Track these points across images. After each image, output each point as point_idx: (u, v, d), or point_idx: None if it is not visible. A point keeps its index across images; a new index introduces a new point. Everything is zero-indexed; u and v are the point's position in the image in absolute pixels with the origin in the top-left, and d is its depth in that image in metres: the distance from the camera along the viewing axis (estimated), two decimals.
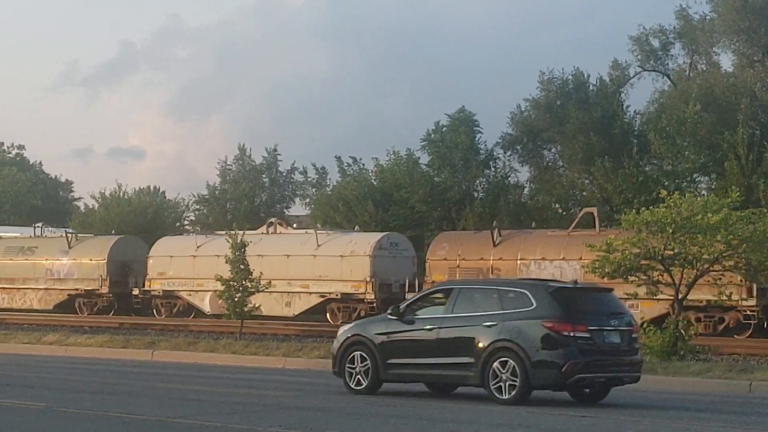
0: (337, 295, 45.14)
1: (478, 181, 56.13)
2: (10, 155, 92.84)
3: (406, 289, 42.97)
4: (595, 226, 40.28)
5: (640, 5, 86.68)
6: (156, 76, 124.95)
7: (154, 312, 50.19)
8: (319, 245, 45.88)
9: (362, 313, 42.37)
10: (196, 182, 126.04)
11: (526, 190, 56.48)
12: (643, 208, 30.02)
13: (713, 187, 48.47)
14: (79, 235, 55.44)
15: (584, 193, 53.06)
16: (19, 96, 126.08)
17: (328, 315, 45.69)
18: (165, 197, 72.74)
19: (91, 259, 52.47)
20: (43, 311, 51.84)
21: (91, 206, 72.78)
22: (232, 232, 41.49)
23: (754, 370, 26.02)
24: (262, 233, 48.67)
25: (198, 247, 49.57)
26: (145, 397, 21.81)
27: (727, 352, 30.99)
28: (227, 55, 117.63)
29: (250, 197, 65.50)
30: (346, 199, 56.23)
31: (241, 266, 36.57)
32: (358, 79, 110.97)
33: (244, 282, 36.46)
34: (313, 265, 45.77)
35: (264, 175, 66.99)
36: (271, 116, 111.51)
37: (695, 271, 29.42)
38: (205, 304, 48.31)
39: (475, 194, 55.67)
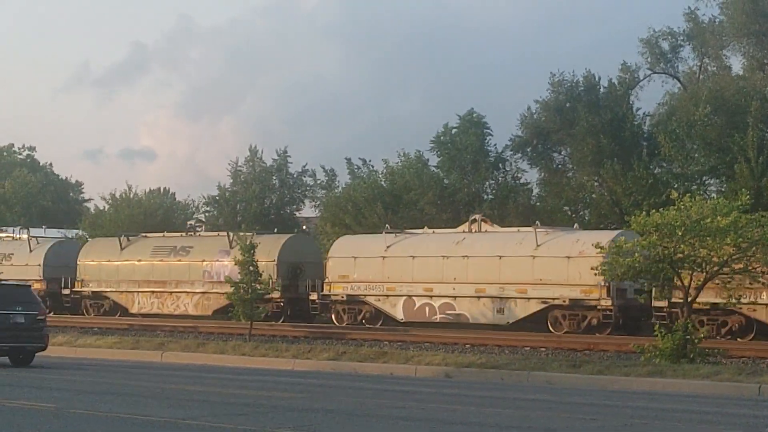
0: (564, 301, 39.99)
1: (487, 183, 56.15)
2: (21, 156, 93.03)
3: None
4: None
5: (650, 8, 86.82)
6: (167, 77, 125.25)
7: (333, 319, 44.77)
8: (538, 245, 40.95)
9: (594, 322, 39.15)
10: (206, 183, 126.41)
11: (535, 192, 56.50)
12: (653, 211, 30.00)
13: (723, 189, 48.41)
14: (240, 234, 48.37)
15: (593, 195, 53.04)
16: (31, 97, 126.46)
17: (549, 323, 40.49)
18: (175, 198, 72.90)
19: (259, 260, 44.38)
20: (199, 317, 47.39)
21: (101, 207, 72.91)
22: (422, 230, 40.66)
23: (764, 373, 25.99)
24: (464, 231, 43.61)
25: (388, 247, 44.06)
26: (155, 398, 21.85)
27: (737, 355, 30.97)
28: (239, 56, 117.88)
29: (260, 199, 65.57)
30: (356, 200, 56.27)
31: (251, 268, 36.66)
32: (371, 80, 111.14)
33: (253, 284, 36.55)
34: (532, 267, 40.85)
35: (274, 177, 67.07)
36: (284, 117, 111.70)
37: (704, 273, 29.41)
38: (398, 310, 42.82)
39: (484, 196, 55.68)
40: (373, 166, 60.38)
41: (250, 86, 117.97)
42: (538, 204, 54.97)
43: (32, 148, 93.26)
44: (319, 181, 65.90)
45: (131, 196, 70.47)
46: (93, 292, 51.45)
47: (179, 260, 49.55)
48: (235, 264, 38.77)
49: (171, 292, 49.50)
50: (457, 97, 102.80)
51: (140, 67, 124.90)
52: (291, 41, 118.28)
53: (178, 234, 52.50)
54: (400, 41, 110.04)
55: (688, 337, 28.59)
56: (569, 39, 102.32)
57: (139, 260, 50.77)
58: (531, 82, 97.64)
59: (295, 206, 68.07)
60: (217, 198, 66.82)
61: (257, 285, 36.69)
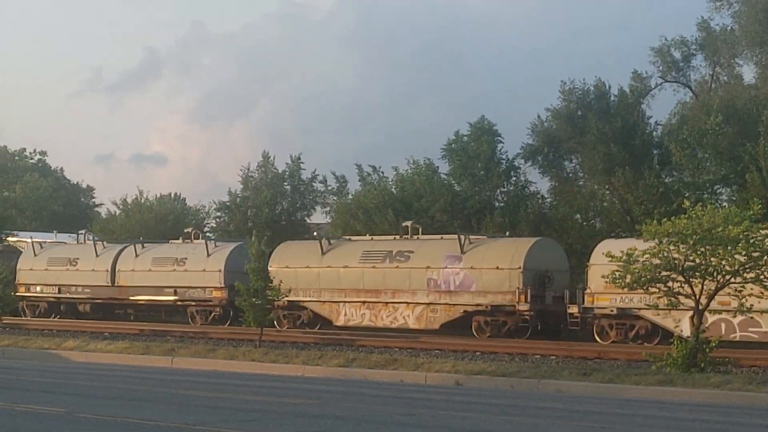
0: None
1: (498, 191, 56.13)
2: (32, 161, 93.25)
3: None
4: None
5: (662, 17, 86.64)
6: (180, 83, 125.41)
7: (596, 336, 38.88)
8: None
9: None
10: (218, 189, 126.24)
11: (547, 201, 56.42)
12: (665, 219, 29.99)
13: (734, 199, 48.32)
14: (472, 237, 43.66)
15: (604, 203, 52.99)
16: (44, 103, 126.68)
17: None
18: (185, 204, 72.99)
19: (498, 267, 41.15)
20: (424, 331, 42.02)
21: (112, 212, 73.05)
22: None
23: None
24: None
25: None
26: (164, 403, 21.87)
27: (747, 365, 30.91)
28: (252, 63, 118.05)
29: (271, 205, 65.60)
30: (366, 207, 56.28)
31: (263, 274, 36.69)
32: (385, 87, 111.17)
33: (265, 291, 36.60)
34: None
35: (286, 183, 67.10)
36: (296, 124, 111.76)
37: (716, 282, 29.38)
38: (684, 326, 34.91)
39: (496, 204, 55.67)
40: (383, 173, 60.43)
41: (263, 93, 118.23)
42: (548, 212, 54.94)
43: (43, 153, 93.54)
44: (330, 188, 65.94)
45: (142, 201, 70.62)
46: (288, 302, 42.99)
47: (396, 266, 43.47)
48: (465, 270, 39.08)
49: (387, 303, 43.60)
50: (469, 106, 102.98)
51: (153, 73, 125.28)
52: (304, 48, 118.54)
53: (390, 237, 46.72)
54: (415, 48, 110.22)
55: (699, 346, 28.55)
56: (581, 48, 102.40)
57: (345, 266, 44.54)
58: (542, 91, 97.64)
59: (306, 212, 68.11)
60: (228, 204, 66.87)
61: (268, 291, 36.72)
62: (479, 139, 55.17)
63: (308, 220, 68.36)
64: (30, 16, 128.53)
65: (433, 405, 22.58)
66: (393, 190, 58.11)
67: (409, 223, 45.76)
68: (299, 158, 67.25)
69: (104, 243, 54.86)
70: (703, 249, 28.84)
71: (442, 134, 60.07)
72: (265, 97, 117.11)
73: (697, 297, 29.54)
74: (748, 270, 29.09)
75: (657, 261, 29.24)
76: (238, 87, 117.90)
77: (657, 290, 29.70)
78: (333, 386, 26.79)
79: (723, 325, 35.69)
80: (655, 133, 54.34)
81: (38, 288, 53.99)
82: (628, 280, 29.74)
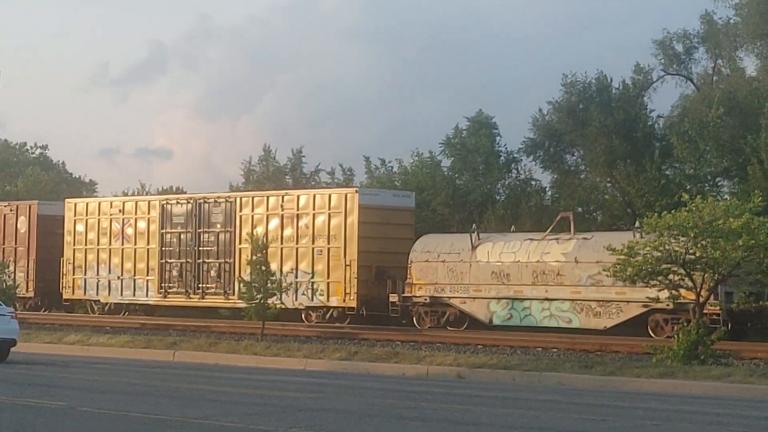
0: None
1: (499, 184, 56.10)
2: (34, 155, 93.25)
3: None
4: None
5: (665, 10, 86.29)
6: (186, 76, 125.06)
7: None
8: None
9: None
10: (222, 183, 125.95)
11: (548, 194, 56.38)
12: (665, 212, 30.00)
13: (735, 191, 48.30)
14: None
15: (606, 196, 52.97)
16: (48, 97, 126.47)
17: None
18: None
19: None
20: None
21: None
22: None
23: None
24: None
25: None
26: (166, 397, 21.91)
27: (749, 357, 30.92)
28: (258, 56, 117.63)
29: None
30: None
31: (263, 267, 36.69)
32: (390, 80, 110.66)
33: (266, 284, 36.61)
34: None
35: (288, 177, 67.03)
36: (301, 117, 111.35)
37: (716, 275, 29.40)
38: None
39: (497, 197, 55.64)
40: (392, 167, 60.35)
41: (268, 86, 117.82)
42: (550, 205, 54.90)
43: (45, 147, 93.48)
44: (336, 180, 65.86)
45: (144, 194, 70.63)
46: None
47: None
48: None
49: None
50: (475, 99, 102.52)
51: (158, 67, 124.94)
52: (310, 41, 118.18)
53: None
54: (423, 40, 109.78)
55: (700, 338, 28.57)
56: (583, 41, 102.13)
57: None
58: (544, 84, 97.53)
59: None
60: None
61: (269, 284, 36.75)
62: (477, 132, 55.18)
63: None
64: (35, 10, 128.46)
65: (434, 398, 22.62)
66: (397, 183, 58.09)
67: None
68: (300, 151, 67.25)
69: None
70: (703, 242, 28.85)
71: (447, 127, 59.97)
72: (271, 90, 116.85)
73: (698, 289, 29.55)
74: (749, 262, 29.10)
75: (658, 254, 29.26)
76: (243, 80, 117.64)
77: (657, 283, 29.72)
78: (335, 379, 26.83)
79: None
80: (656, 125, 54.30)
81: None
82: (629, 273, 29.78)
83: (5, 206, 52.40)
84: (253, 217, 44.00)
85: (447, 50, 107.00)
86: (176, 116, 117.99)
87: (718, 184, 50.61)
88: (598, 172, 52.97)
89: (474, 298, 39.55)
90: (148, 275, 46.56)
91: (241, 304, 42.00)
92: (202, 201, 45.83)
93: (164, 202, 46.95)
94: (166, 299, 40.09)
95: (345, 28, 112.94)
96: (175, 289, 45.40)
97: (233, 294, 43.32)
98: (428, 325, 40.28)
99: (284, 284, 38.54)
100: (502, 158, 55.82)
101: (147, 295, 46.67)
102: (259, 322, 37.55)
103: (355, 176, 63.66)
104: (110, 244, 47.70)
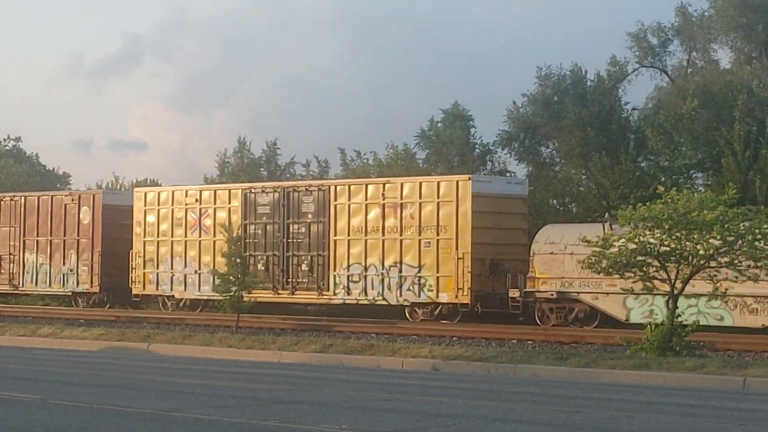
0: None
1: None
2: (7, 147, 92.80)
3: None
4: None
5: (640, 2, 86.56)
6: (161, 69, 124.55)
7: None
8: None
9: None
10: (196, 175, 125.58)
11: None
12: (640, 204, 30.06)
13: (710, 183, 48.49)
14: None
15: (581, 188, 53.08)
16: (21, 88, 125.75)
17: None
18: None
19: None
20: None
21: None
22: None
23: (749, 366, 26.08)
24: None
25: None
26: (140, 390, 21.83)
27: (722, 348, 31.04)
28: (233, 48, 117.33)
29: None
30: None
31: (237, 260, 36.56)
32: (368, 72, 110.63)
33: (240, 276, 36.49)
34: None
35: (262, 169, 66.92)
36: (277, 109, 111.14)
37: (691, 267, 29.47)
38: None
39: None
40: (367, 159, 60.37)
41: (244, 77, 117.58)
42: (527, 196, 54.91)
43: (18, 139, 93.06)
44: (311, 172, 65.79)
45: (118, 186, 70.41)
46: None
47: None
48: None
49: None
50: (450, 91, 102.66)
51: (134, 59, 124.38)
52: (285, 33, 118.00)
53: None
54: (396, 34, 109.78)
55: (674, 330, 28.65)
56: (559, 34, 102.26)
57: None
58: (520, 77, 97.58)
59: None
60: None
61: (244, 277, 36.63)
62: (453, 124, 55.24)
63: None
64: (8, 1, 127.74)
65: (409, 390, 22.61)
66: (372, 175, 58.09)
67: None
68: (275, 144, 67.15)
69: None
70: (678, 233, 28.92)
71: (422, 119, 60.02)
72: (246, 83, 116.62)
73: (672, 281, 29.62)
74: (722, 254, 29.18)
75: (633, 246, 29.31)
76: (218, 72, 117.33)
77: (632, 275, 29.78)
78: (309, 372, 26.79)
79: None
80: (631, 118, 54.47)
81: None
82: (604, 265, 29.83)
83: (66, 195, 49.78)
84: (350, 206, 41.34)
85: (422, 42, 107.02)
86: (151, 108, 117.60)
87: (693, 176, 50.85)
88: (573, 165, 53.08)
89: (607, 293, 36.00)
90: None
91: (338, 300, 41.05)
92: (291, 189, 43.19)
93: (247, 190, 44.12)
94: (251, 295, 36.48)
95: (320, 20, 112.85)
96: (261, 284, 41.46)
97: (327, 289, 41.47)
98: (552, 323, 37.37)
99: (386, 279, 38.10)
100: (477, 150, 55.92)
101: None
102: (234, 315, 37.42)
103: (331, 168, 63.71)
104: (186, 235, 44.93)
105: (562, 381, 25.53)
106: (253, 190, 44.03)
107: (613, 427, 17.30)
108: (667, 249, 29.17)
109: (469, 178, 39.54)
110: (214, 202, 44.46)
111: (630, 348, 28.87)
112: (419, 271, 39.67)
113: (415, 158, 57.36)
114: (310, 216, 42.34)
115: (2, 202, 50.51)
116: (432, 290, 39.44)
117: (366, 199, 41.11)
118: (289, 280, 42.62)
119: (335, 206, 41.69)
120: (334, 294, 41.16)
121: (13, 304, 50.31)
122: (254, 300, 37.78)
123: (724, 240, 28.81)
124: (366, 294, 40.75)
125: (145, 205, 46.15)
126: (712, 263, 29.40)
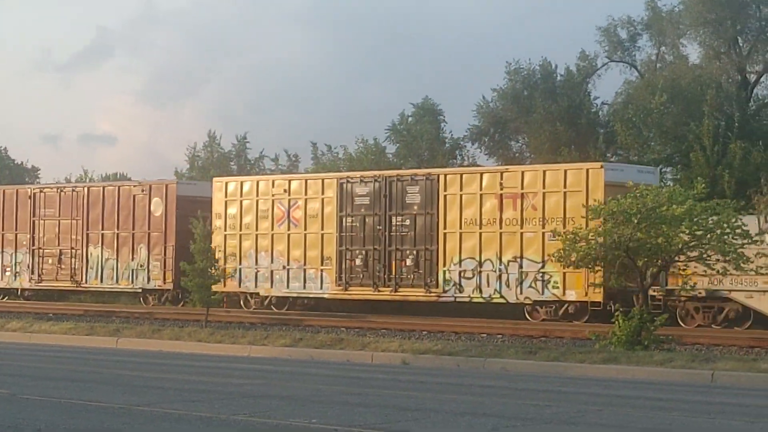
0: None
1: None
2: None
3: None
4: None
5: None
6: (131, 62, 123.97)
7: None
8: None
9: None
10: (166, 169, 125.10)
11: None
12: (609, 198, 30.17)
13: (679, 178, 48.72)
14: None
15: None
16: None
17: None
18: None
19: None
20: None
21: None
22: None
23: (717, 360, 26.21)
24: None
25: None
26: (109, 384, 21.75)
27: (691, 342, 31.19)
28: (204, 41, 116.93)
29: None
30: None
31: (208, 254, 36.53)
32: (339, 66, 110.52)
33: (209, 270, 36.47)
34: None
35: (232, 163, 66.81)
36: (247, 102, 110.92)
37: (660, 261, 29.60)
38: None
39: None
40: (337, 153, 60.38)
41: (214, 72, 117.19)
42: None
43: None
44: (281, 166, 65.73)
45: (87, 181, 70.14)
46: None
47: None
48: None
49: None
50: (421, 86, 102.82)
51: (103, 52, 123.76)
52: (256, 26, 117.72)
53: None
54: (367, 28, 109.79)
55: (643, 324, 28.77)
56: (529, 28, 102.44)
57: None
58: (490, 71, 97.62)
59: None
60: None
61: (213, 270, 36.62)
62: (423, 119, 55.31)
63: None
64: None
65: (379, 384, 22.62)
66: (342, 169, 58.12)
67: None
68: (245, 137, 67.06)
69: None
70: (647, 228, 29.04)
71: (393, 113, 60.15)
72: (217, 76, 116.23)
73: (642, 275, 29.75)
74: (691, 248, 29.33)
75: (602, 240, 29.43)
76: (189, 65, 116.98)
77: (601, 269, 29.90)
78: (279, 366, 26.76)
79: None
80: (600, 112, 54.69)
81: None
82: (573, 259, 29.95)
83: (135, 186, 46.66)
84: (461, 197, 38.66)
85: (393, 37, 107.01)
86: (121, 102, 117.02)
87: (662, 171, 51.04)
88: (542, 159, 53.22)
89: (765, 291, 33.50)
90: (322, 265, 41.26)
91: (448, 298, 38.87)
92: (394, 179, 40.50)
93: (343, 180, 41.44)
94: (347, 292, 34.94)
95: (291, 13, 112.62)
96: (359, 281, 40.09)
97: (436, 286, 39.08)
98: (697, 324, 34.82)
99: (504, 275, 36.70)
100: (447, 145, 56.02)
101: (321, 288, 41.20)
102: (203, 309, 37.35)
103: (301, 162, 63.68)
104: (272, 229, 42.25)
105: (531, 375, 25.61)
106: (350, 180, 41.52)
107: (582, 421, 17.35)
108: (636, 243, 29.30)
109: (601, 166, 37.02)
110: (305, 193, 41.96)
111: (599, 342, 28.98)
112: (542, 267, 37.08)
113: (385, 152, 57.42)
114: (415, 207, 39.88)
115: (63, 193, 47.88)
116: (558, 287, 36.81)
117: (480, 189, 38.52)
118: (392, 276, 40.23)
119: (445, 197, 39.15)
120: (444, 291, 38.99)
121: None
122: (352, 297, 35.84)
123: (692, 234, 28.97)
124: (481, 291, 38.31)
125: (225, 197, 43.53)
126: (681, 257, 29.55)
